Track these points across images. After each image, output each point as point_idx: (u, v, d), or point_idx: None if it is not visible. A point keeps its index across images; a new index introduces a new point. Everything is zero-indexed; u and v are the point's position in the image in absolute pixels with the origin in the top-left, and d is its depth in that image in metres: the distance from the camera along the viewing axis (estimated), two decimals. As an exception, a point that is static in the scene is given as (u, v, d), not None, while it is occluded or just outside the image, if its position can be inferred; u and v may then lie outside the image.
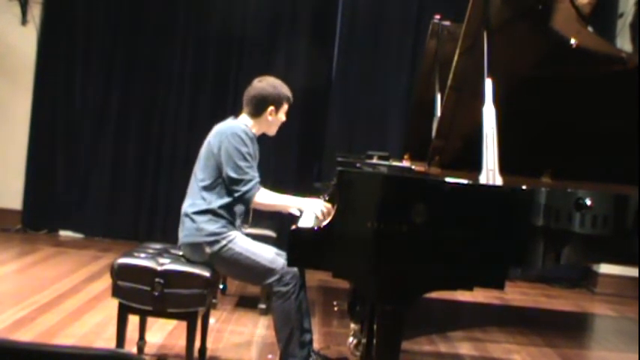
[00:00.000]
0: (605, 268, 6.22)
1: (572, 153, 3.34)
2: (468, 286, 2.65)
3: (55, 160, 6.57)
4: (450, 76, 2.94)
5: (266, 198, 3.42)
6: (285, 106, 3.58)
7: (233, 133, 3.41)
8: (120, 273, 3.29)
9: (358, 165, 3.83)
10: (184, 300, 3.27)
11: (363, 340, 3.54)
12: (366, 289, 2.88)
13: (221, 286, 4.79)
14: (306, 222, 3.18)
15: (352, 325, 3.87)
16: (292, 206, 3.47)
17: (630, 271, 5.80)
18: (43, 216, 6.58)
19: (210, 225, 3.37)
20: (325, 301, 5.11)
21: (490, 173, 2.66)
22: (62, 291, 4.75)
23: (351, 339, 3.76)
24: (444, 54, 4.20)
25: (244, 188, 3.36)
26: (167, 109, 6.56)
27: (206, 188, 3.41)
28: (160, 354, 3.79)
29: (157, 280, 3.24)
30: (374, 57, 6.51)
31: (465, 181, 2.65)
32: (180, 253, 3.48)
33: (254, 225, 4.41)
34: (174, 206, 6.20)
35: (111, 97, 6.56)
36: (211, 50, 6.52)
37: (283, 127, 6.69)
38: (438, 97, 4.16)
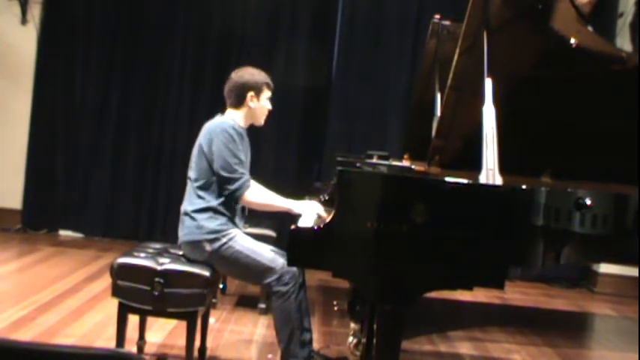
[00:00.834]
0: (604, 268, 6.22)
1: (572, 153, 3.34)
2: (468, 286, 2.65)
3: (55, 160, 6.57)
4: (450, 75, 2.93)
5: (256, 196, 3.43)
6: (266, 92, 3.59)
7: (221, 129, 3.42)
8: (120, 273, 3.29)
9: (358, 165, 3.83)
10: (184, 299, 3.27)
11: (363, 340, 3.54)
12: (366, 289, 2.88)
13: (221, 286, 4.79)
14: (306, 222, 3.18)
15: (352, 325, 3.87)
16: (282, 207, 3.47)
17: (630, 271, 5.80)
18: (42, 216, 6.58)
19: (211, 222, 3.37)
20: (325, 300, 5.11)
21: (490, 173, 2.66)
22: (62, 291, 4.75)
23: (351, 338, 3.76)
24: (444, 54, 4.20)
25: (233, 187, 3.37)
26: (167, 109, 6.55)
27: (201, 188, 3.42)
28: (159, 353, 3.79)
29: (156, 279, 3.24)
30: (374, 57, 6.50)
31: (464, 181, 2.65)
32: (180, 252, 3.48)
33: (254, 225, 4.41)
34: (174, 206, 6.19)
35: (111, 97, 6.55)
36: (211, 50, 6.52)
37: (283, 127, 6.72)
38: (438, 96, 4.16)
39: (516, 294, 5.97)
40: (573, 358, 4.50)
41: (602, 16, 6.01)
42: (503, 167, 2.68)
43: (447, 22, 4.35)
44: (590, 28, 3.26)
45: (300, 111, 6.53)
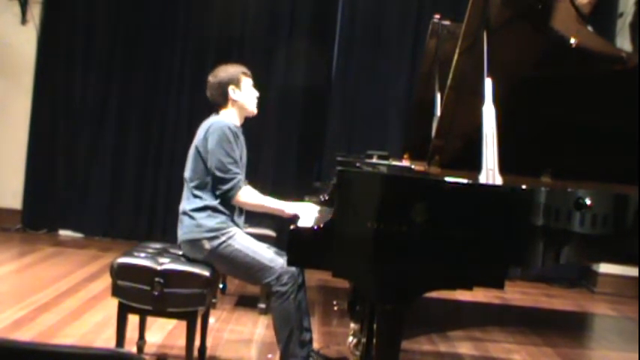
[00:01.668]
0: (604, 268, 6.22)
1: (571, 152, 3.34)
2: (468, 286, 2.65)
3: (55, 160, 6.57)
4: (450, 75, 2.93)
5: (249, 197, 3.43)
6: (245, 79, 3.59)
7: (216, 129, 3.42)
8: (119, 272, 3.29)
9: (358, 164, 3.83)
10: (184, 299, 3.27)
11: (363, 340, 3.54)
12: (366, 289, 2.88)
13: (221, 286, 4.79)
14: (305, 222, 3.17)
15: (352, 325, 3.87)
16: (274, 209, 3.47)
17: (630, 271, 5.80)
18: (42, 215, 6.58)
19: (210, 221, 3.37)
20: (325, 300, 5.11)
21: (490, 173, 2.66)
22: (62, 290, 4.75)
23: (350, 338, 3.76)
24: (443, 53, 4.20)
25: (226, 187, 3.37)
26: (167, 108, 6.55)
27: (197, 188, 3.42)
28: (159, 353, 3.79)
29: (156, 279, 3.24)
30: (374, 57, 6.50)
31: (464, 181, 2.65)
32: (180, 252, 3.48)
33: (254, 224, 4.41)
34: (174, 206, 6.18)
35: (111, 97, 6.55)
36: (211, 50, 6.52)
37: (283, 126, 6.73)
38: (438, 96, 4.16)
39: (516, 294, 5.96)
40: (573, 358, 4.50)
41: (602, 16, 6.01)
42: (503, 167, 2.68)
43: (447, 22, 4.35)
44: (590, 28, 3.26)
45: (300, 111, 6.53)
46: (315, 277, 5.44)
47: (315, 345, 3.74)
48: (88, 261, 5.65)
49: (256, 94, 3.63)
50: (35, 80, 6.56)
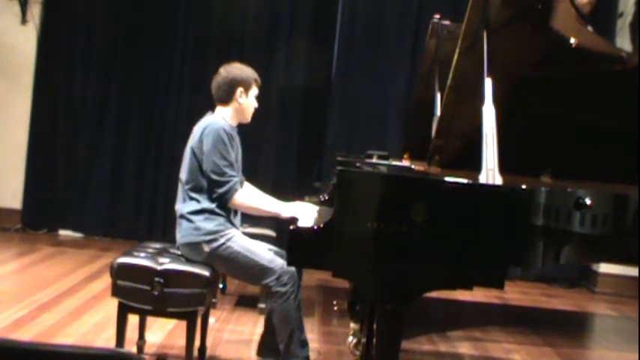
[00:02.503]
0: (604, 268, 6.22)
1: (571, 152, 3.34)
2: (468, 286, 2.65)
3: (55, 160, 6.57)
4: (450, 75, 2.93)
5: (245, 199, 3.42)
6: (255, 89, 3.56)
7: (211, 130, 3.40)
8: (119, 272, 3.29)
9: (358, 164, 3.83)
10: (184, 299, 3.27)
11: (363, 340, 3.54)
12: (366, 289, 2.88)
13: (221, 286, 4.79)
14: (305, 222, 3.17)
15: (352, 325, 3.87)
16: (270, 212, 3.46)
17: (630, 271, 5.79)
18: (42, 215, 6.58)
19: (208, 224, 3.37)
20: (325, 300, 5.11)
21: (490, 173, 2.66)
22: (62, 290, 4.75)
23: (350, 338, 3.76)
24: (443, 53, 4.20)
25: (221, 190, 3.36)
26: (167, 108, 6.55)
27: (193, 190, 3.41)
28: (159, 353, 3.79)
29: (156, 279, 3.24)
30: (374, 57, 6.50)
31: (464, 181, 2.65)
32: (180, 252, 3.48)
33: (254, 224, 4.41)
34: (174, 206, 6.22)
35: (111, 97, 6.55)
36: (211, 50, 6.52)
37: (283, 127, 6.73)
38: (438, 96, 4.16)
39: (516, 294, 5.96)
40: (573, 358, 4.50)
41: (602, 16, 6.01)
42: (503, 167, 2.68)
43: (447, 22, 4.35)
44: (590, 28, 3.26)
45: (300, 111, 6.53)
46: (315, 277, 5.44)
47: (316, 345, 3.75)
48: (88, 261, 5.65)
49: (256, 105, 3.61)
50: (35, 80, 6.56)
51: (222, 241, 3.36)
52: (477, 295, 5.62)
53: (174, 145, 6.47)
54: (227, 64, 3.66)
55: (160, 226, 6.47)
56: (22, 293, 4.59)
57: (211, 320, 4.05)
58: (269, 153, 6.45)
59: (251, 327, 4.38)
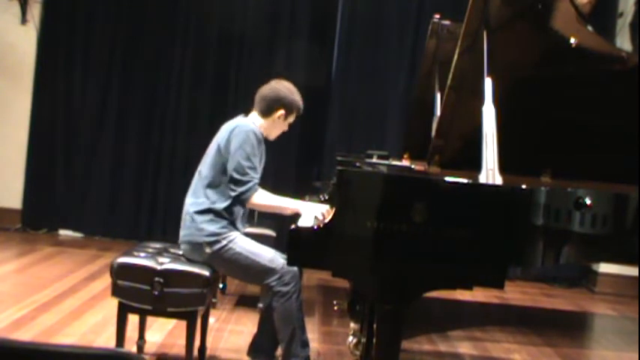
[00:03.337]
0: (604, 268, 6.22)
1: (571, 152, 3.34)
2: (468, 286, 2.65)
3: (55, 160, 6.56)
4: (450, 75, 2.93)
5: (263, 199, 3.42)
6: (294, 115, 3.59)
7: (241, 131, 3.41)
8: (119, 272, 3.29)
9: (358, 164, 3.83)
10: (184, 299, 3.27)
11: (363, 340, 3.54)
12: (365, 289, 2.88)
13: (221, 286, 4.79)
14: (305, 221, 3.17)
15: (352, 325, 3.87)
16: (289, 208, 3.46)
17: (630, 271, 5.80)
18: (42, 215, 6.58)
19: (211, 225, 3.36)
20: (325, 300, 5.11)
21: (490, 172, 2.66)
22: (62, 290, 4.75)
23: (350, 338, 3.76)
24: (443, 53, 4.19)
25: (241, 189, 3.35)
26: (167, 109, 6.55)
27: (210, 186, 3.41)
28: (159, 353, 3.79)
29: (156, 279, 3.24)
30: (374, 57, 6.50)
31: (464, 181, 2.65)
32: (180, 252, 3.48)
33: (254, 225, 4.40)
34: (174, 206, 6.21)
35: (111, 97, 6.55)
36: (211, 50, 6.52)
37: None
38: (438, 96, 4.16)
39: (516, 294, 5.97)
40: (573, 358, 4.50)
41: (602, 16, 6.01)
42: (503, 167, 2.68)
43: (447, 22, 4.34)
44: (590, 28, 3.26)
45: (300, 111, 6.52)
46: (315, 277, 5.44)
47: (315, 345, 3.74)
48: (88, 261, 5.65)
49: (286, 129, 3.64)
50: (35, 80, 6.56)
51: (224, 243, 3.36)
52: (477, 295, 5.62)
53: (175, 145, 6.49)
54: (281, 79, 3.66)
55: (160, 226, 6.47)
56: (22, 293, 4.59)
57: (211, 320, 4.05)
58: (269, 153, 6.37)
59: (251, 327, 4.37)
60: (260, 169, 3.47)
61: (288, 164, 6.52)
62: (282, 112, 3.53)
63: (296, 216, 3.35)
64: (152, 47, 6.53)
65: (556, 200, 2.76)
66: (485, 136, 2.70)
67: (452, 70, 2.93)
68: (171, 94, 6.54)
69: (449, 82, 2.94)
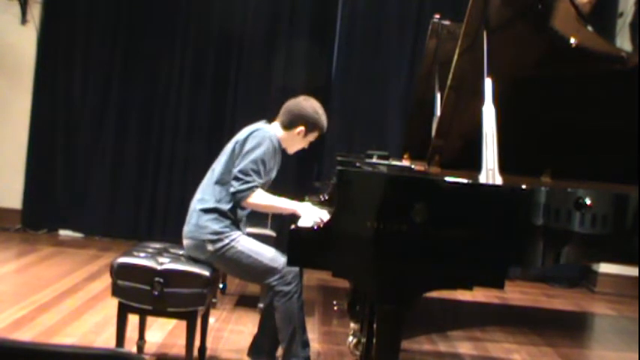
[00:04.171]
0: (604, 268, 6.22)
1: (571, 152, 3.34)
2: (468, 286, 2.65)
3: (55, 160, 6.56)
4: (450, 75, 2.93)
5: (260, 199, 3.40)
6: (315, 134, 3.58)
7: (260, 135, 3.41)
8: (119, 272, 3.29)
9: (358, 164, 3.83)
10: (184, 299, 3.27)
11: (363, 340, 3.54)
12: (365, 289, 2.88)
13: (221, 286, 4.79)
14: (305, 221, 3.17)
15: (352, 325, 3.87)
16: (289, 208, 3.46)
17: (630, 271, 5.80)
18: (42, 215, 6.58)
19: (215, 224, 3.37)
20: (325, 300, 5.11)
21: (490, 173, 2.66)
22: (62, 290, 4.75)
23: (350, 338, 3.76)
24: (444, 53, 4.19)
25: (238, 187, 3.34)
26: (167, 109, 6.55)
27: (220, 182, 3.42)
28: (159, 353, 3.79)
29: (156, 279, 3.24)
30: (374, 57, 6.50)
31: (464, 181, 2.65)
32: (180, 252, 3.48)
33: (254, 225, 4.40)
34: (174, 206, 6.22)
35: (111, 97, 6.55)
36: (211, 50, 6.52)
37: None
38: (438, 96, 4.16)
39: (516, 294, 5.97)
40: (573, 358, 4.50)
41: (602, 16, 6.01)
42: (504, 167, 2.68)
43: (447, 22, 4.34)
44: (590, 28, 3.26)
45: (300, 111, 6.52)
46: (315, 277, 5.44)
47: (316, 345, 3.74)
48: (88, 261, 5.65)
49: (305, 147, 3.64)
50: (35, 80, 6.56)
51: (226, 241, 3.37)
52: (477, 295, 5.62)
53: (175, 145, 6.49)
54: (309, 97, 3.63)
55: (159, 226, 6.47)
56: (22, 293, 4.59)
57: (211, 320, 4.05)
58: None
59: (251, 327, 4.37)
60: (269, 177, 3.46)
61: (288, 164, 6.50)
62: (302, 128, 3.52)
63: (295, 217, 3.35)
64: (152, 47, 6.53)
65: (556, 200, 2.76)
66: (485, 136, 2.70)
67: (452, 70, 2.93)
68: (171, 94, 6.54)
69: (449, 82, 2.94)
